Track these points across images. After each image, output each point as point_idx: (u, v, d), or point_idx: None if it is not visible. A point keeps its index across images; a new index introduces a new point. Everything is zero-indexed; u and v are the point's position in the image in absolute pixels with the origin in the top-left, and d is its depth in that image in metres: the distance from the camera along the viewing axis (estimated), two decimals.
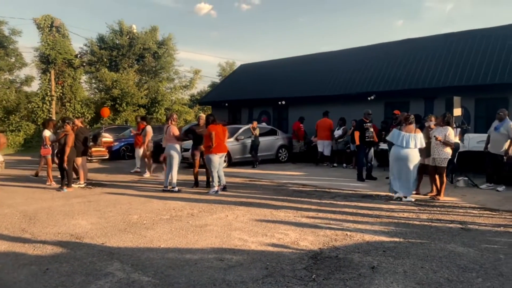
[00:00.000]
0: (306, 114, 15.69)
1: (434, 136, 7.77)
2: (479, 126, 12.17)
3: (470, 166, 10.07)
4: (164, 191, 8.79)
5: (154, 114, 28.11)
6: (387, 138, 8.17)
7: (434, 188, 8.03)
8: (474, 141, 10.44)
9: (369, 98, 14.43)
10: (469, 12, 69.54)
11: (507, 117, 8.71)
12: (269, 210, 6.81)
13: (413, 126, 7.68)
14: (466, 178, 9.43)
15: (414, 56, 14.78)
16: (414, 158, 7.55)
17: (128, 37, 29.27)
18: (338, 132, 13.68)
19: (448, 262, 4.22)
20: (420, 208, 7.02)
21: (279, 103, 17.63)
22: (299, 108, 16.89)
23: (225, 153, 8.97)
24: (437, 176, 7.85)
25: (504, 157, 8.57)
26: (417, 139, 7.55)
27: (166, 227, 5.73)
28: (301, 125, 14.82)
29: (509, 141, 8.52)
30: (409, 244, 4.87)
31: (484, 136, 9.50)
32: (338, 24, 79.02)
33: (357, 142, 10.37)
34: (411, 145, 7.51)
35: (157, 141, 12.67)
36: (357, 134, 10.34)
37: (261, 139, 13.98)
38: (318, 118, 14.19)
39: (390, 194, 8.02)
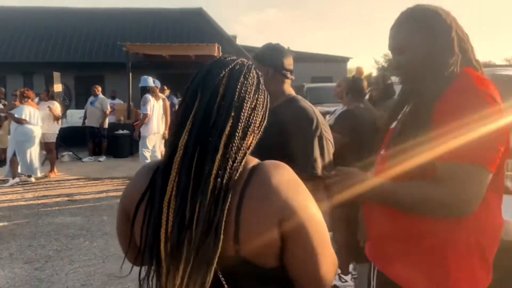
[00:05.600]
0: None
1: (48, 107, 7.55)
2: (80, 102, 12.75)
3: (73, 141, 10.43)
4: None
5: None
6: (13, 112, 6.79)
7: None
8: (76, 116, 10.89)
9: None
10: None
11: (100, 92, 9.59)
12: None
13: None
14: (70, 153, 9.76)
15: (6, 26, 13.46)
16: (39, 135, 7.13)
17: None
18: None
19: (56, 235, 4.30)
20: (26, 188, 6.68)
21: None
22: None
23: None
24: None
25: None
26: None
27: None
28: None
29: (104, 113, 9.46)
30: (14, 226, 4.58)
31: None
32: None
33: None
34: (40, 122, 7.05)
35: None
36: None
37: None
38: None
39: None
